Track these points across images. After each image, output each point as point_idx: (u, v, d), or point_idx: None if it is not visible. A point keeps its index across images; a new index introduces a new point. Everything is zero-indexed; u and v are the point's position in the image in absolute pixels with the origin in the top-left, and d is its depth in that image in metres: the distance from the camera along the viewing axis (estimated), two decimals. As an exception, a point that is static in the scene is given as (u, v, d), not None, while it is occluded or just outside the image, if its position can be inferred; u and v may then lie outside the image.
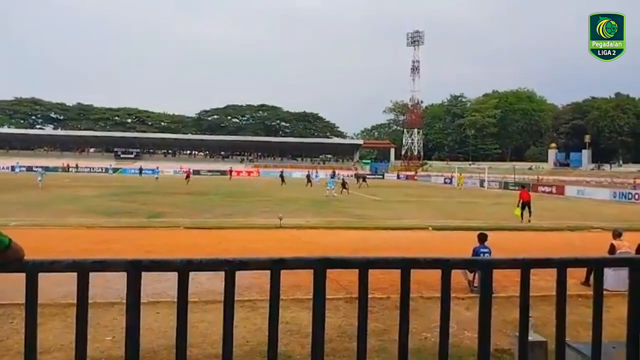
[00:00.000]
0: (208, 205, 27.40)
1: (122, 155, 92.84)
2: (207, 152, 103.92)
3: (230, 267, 1.96)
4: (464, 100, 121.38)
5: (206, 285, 8.28)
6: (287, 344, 6.17)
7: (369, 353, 2.01)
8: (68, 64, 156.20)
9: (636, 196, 37.32)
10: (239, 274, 1.94)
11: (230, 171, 71.88)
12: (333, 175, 53.56)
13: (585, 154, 77.92)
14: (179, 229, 17.24)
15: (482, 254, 9.20)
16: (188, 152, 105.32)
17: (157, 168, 66.73)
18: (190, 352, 2.01)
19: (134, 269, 1.91)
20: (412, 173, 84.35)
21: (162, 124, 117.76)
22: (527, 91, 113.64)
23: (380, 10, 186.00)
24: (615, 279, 6.35)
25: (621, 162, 76.83)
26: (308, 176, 54.24)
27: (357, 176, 60.45)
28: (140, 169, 72.34)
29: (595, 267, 2.23)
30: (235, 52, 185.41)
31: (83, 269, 1.86)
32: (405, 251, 13.20)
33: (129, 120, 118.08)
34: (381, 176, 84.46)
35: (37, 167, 69.75)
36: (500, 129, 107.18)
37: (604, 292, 2.21)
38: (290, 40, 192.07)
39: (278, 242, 14.54)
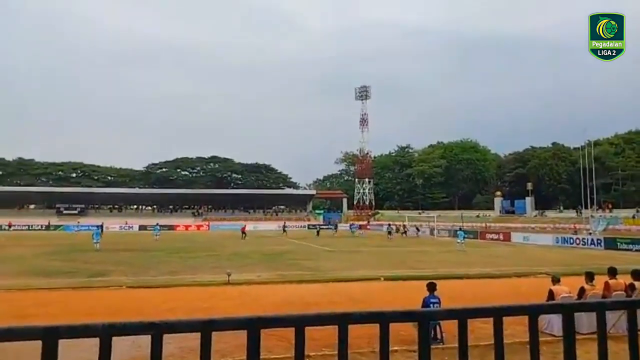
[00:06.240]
0: (153, 262, 26.45)
1: (64, 212, 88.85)
2: (156, 206, 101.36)
3: (156, 331, 1.82)
4: (410, 150, 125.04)
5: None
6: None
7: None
8: (8, 118, 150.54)
9: (577, 241, 38.87)
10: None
11: (244, 229, 55.52)
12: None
13: (529, 201, 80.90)
14: (121, 289, 16.48)
15: (431, 304, 9.16)
16: (135, 206, 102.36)
17: (157, 225, 53.48)
18: None
19: (50, 337, 1.75)
20: (365, 222, 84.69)
21: (109, 178, 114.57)
22: (471, 141, 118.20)
23: (329, 65, 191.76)
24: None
25: (561, 207, 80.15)
26: (318, 229, 53.78)
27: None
28: (101, 226, 59.89)
29: (530, 315, 2.24)
30: (187, 107, 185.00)
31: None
32: (357, 303, 13.08)
33: (74, 175, 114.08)
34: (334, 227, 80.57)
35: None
36: (447, 178, 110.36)
37: (552, 338, 2.21)
38: (242, 92, 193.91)
39: (226, 300, 14.09)
